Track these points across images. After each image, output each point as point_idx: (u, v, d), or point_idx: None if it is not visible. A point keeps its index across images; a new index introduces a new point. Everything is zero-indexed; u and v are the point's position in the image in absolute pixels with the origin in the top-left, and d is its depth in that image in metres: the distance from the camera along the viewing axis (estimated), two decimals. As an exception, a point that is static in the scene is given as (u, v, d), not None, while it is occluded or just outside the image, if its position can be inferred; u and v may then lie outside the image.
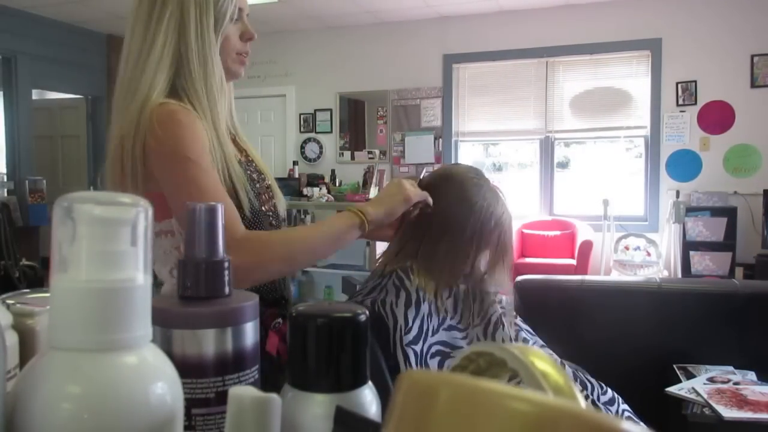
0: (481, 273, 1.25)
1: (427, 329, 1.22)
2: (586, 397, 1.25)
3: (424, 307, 1.23)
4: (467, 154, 6.11)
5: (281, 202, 1.26)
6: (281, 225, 1.25)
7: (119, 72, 1.10)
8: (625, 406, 1.32)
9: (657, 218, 5.32)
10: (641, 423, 1.04)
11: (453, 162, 5.91)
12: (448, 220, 1.23)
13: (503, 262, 1.27)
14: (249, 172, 1.17)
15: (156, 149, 1.02)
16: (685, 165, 5.26)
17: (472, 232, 1.23)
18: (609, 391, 1.32)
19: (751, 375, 1.85)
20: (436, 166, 4.51)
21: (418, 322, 1.21)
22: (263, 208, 1.18)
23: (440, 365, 1.20)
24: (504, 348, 0.33)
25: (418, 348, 1.20)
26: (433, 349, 1.21)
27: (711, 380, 1.79)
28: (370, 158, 6.16)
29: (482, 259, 1.25)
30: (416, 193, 1.17)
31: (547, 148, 5.74)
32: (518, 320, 1.35)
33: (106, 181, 1.08)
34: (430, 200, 1.21)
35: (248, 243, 1.00)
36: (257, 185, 1.17)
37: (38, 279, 3.39)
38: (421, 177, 1.35)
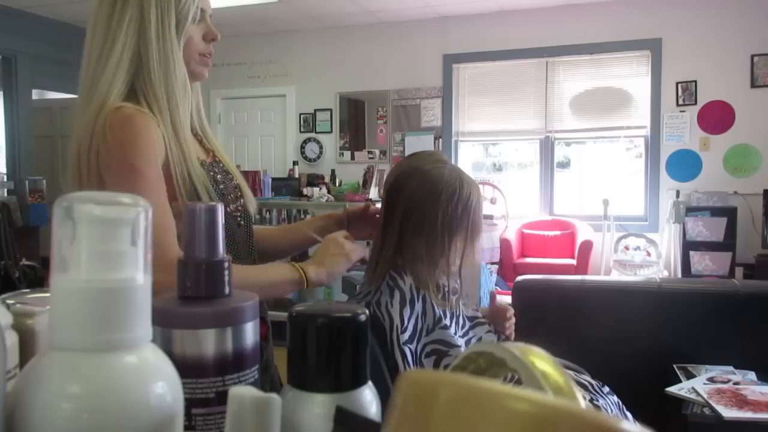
0: (457, 259, 1.27)
1: (421, 328, 1.23)
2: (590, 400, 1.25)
3: (418, 306, 1.23)
4: (467, 154, 6.11)
5: (251, 202, 1.25)
6: (251, 224, 1.25)
7: (81, 72, 1.09)
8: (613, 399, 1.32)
9: (657, 218, 5.32)
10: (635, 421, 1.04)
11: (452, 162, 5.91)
12: (421, 216, 1.25)
13: (473, 243, 1.29)
14: (213, 173, 1.17)
15: (105, 156, 1.02)
16: (685, 165, 5.26)
17: (442, 221, 1.24)
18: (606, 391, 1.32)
19: (751, 375, 1.85)
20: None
21: (413, 321, 1.22)
22: (229, 208, 1.18)
23: (436, 364, 1.20)
24: (504, 348, 0.33)
25: (413, 347, 1.21)
26: (428, 348, 1.22)
27: (711, 380, 1.79)
28: (370, 158, 6.16)
29: (457, 244, 1.27)
30: (354, 250, 1.16)
31: (547, 148, 5.74)
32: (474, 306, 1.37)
33: (67, 184, 1.07)
34: (367, 256, 1.21)
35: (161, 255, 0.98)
36: (221, 186, 1.17)
37: (38, 279, 3.39)
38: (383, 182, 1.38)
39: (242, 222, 1.22)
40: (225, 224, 1.09)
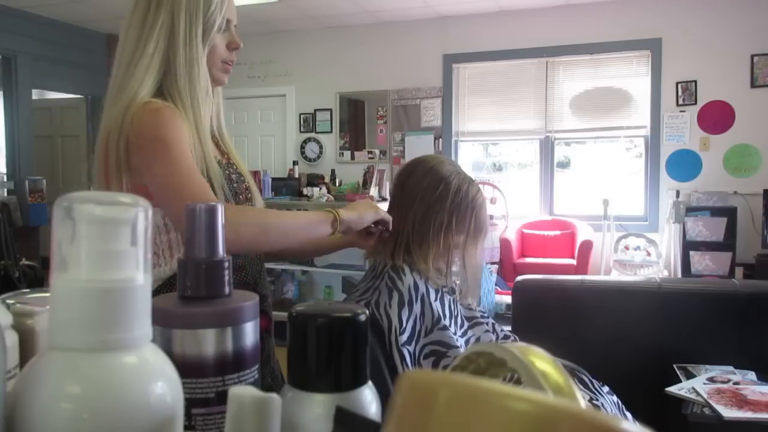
0: (461, 245, 1.30)
1: (420, 330, 1.23)
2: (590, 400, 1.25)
3: (417, 308, 1.23)
4: (467, 154, 6.11)
5: (259, 203, 1.32)
6: None
7: (112, 73, 1.16)
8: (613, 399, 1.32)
9: (657, 218, 5.32)
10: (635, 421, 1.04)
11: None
12: (428, 196, 1.28)
13: (476, 240, 1.32)
14: (228, 172, 1.23)
15: (135, 142, 1.08)
16: (685, 165, 5.26)
17: (450, 203, 1.28)
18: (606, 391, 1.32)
19: (751, 375, 1.85)
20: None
21: (411, 323, 1.22)
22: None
23: (435, 365, 1.20)
24: (504, 348, 0.33)
25: (411, 348, 1.21)
26: (427, 349, 1.22)
27: (711, 380, 1.79)
28: (370, 158, 6.16)
29: (461, 236, 1.30)
30: (384, 217, 1.25)
31: (547, 148, 5.74)
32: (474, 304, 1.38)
33: (93, 176, 1.14)
34: (390, 224, 1.28)
35: (225, 205, 1.02)
36: (235, 185, 1.24)
37: (38, 279, 3.39)
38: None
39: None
40: None
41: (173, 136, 1.08)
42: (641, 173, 5.47)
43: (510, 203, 5.40)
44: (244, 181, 1.28)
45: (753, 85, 5.07)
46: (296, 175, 5.98)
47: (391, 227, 1.28)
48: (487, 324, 1.35)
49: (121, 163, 1.09)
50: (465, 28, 5.81)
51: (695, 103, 5.21)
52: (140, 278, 0.36)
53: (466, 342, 1.30)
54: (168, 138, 1.07)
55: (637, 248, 4.98)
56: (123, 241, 0.35)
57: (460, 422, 0.23)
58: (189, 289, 0.47)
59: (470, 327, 1.33)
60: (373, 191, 5.30)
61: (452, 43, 5.85)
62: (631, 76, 5.43)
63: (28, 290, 0.52)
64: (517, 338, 1.39)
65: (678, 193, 5.14)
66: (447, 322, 1.26)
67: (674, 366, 1.91)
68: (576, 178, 5.80)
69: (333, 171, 6.04)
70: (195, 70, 1.15)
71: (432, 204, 1.28)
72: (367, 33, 6.09)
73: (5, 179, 5.62)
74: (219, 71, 1.23)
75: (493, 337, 1.34)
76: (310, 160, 6.35)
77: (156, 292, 0.89)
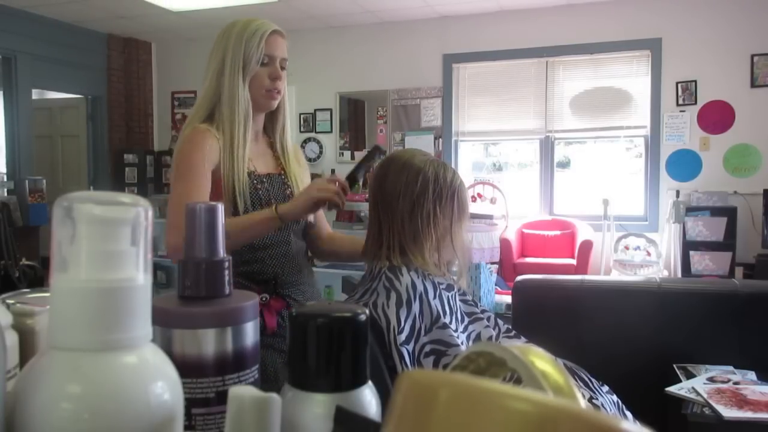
0: (448, 234, 1.31)
1: (419, 329, 1.23)
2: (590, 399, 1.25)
3: (415, 307, 1.24)
4: (467, 154, 6.11)
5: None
6: (296, 226, 1.54)
7: None
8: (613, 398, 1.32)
9: (657, 218, 5.32)
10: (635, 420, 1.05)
11: (452, 162, 5.92)
12: (410, 191, 1.29)
13: (461, 221, 1.33)
14: (255, 182, 1.47)
15: (173, 159, 1.47)
16: (685, 165, 5.26)
17: (432, 192, 1.29)
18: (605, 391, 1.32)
19: (751, 375, 1.85)
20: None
21: (409, 322, 1.22)
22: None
23: (435, 364, 1.20)
24: (504, 348, 0.33)
25: (410, 347, 1.21)
26: (427, 348, 1.22)
27: (711, 380, 1.79)
28: (370, 158, 6.15)
29: (446, 219, 1.31)
30: (322, 191, 1.36)
31: (547, 147, 5.74)
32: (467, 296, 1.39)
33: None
34: (339, 200, 1.39)
35: (171, 226, 1.38)
36: (259, 192, 1.47)
37: (38, 279, 3.39)
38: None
39: (282, 224, 1.46)
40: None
41: (191, 163, 1.39)
42: (641, 173, 5.47)
43: (510, 203, 5.40)
44: (286, 189, 1.53)
45: (753, 85, 5.07)
46: (296, 175, 5.98)
47: (339, 202, 1.38)
48: (487, 319, 1.35)
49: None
50: (465, 28, 5.81)
51: (695, 103, 5.21)
52: (140, 278, 0.35)
53: (467, 337, 1.30)
54: (187, 163, 1.40)
55: (637, 248, 4.98)
56: (123, 241, 0.35)
57: (460, 422, 0.23)
58: (189, 289, 0.47)
59: (471, 322, 1.33)
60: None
61: (452, 43, 5.85)
62: (631, 76, 5.43)
63: (28, 290, 0.52)
64: (520, 335, 1.40)
65: (678, 193, 5.14)
66: (447, 319, 1.26)
67: (674, 366, 1.91)
68: (576, 178, 5.79)
69: (333, 171, 6.04)
70: (235, 100, 1.44)
71: (416, 198, 1.28)
72: (367, 33, 6.09)
73: (5, 179, 5.61)
74: (262, 98, 1.49)
75: (494, 333, 1.34)
76: (310, 159, 6.35)
77: None
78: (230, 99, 1.44)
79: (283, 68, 1.53)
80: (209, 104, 1.47)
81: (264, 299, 1.45)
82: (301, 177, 1.59)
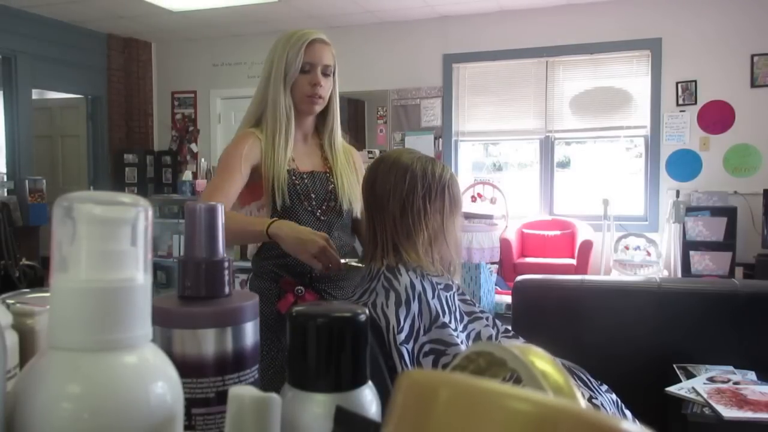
0: (439, 229, 1.31)
1: (418, 328, 1.23)
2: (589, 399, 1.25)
3: (414, 306, 1.23)
4: (467, 154, 6.11)
5: (345, 203, 1.64)
6: (332, 218, 1.63)
7: None
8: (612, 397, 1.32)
9: (657, 218, 5.32)
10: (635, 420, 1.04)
11: (452, 162, 5.92)
12: (399, 189, 1.29)
13: (454, 215, 1.33)
14: (294, 178, 1.59)
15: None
16: (685, 165, 5.26)
17: (421, 188, 1.29)
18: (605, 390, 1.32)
19: (751, 375, 1.85)
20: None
21: (408, 321, 1.22)
22: (304, 205, 1.60)
23: (434, 363, 1.20)
24: (504, 348, 0.33)
25: (409, 347, 1.21)
26: (426, 347, 1.22)
27: (711, 380, 1.79)
28: (370, 158, 6.14)
29: (438, 214, 1.30)
30: (313, 253, 1.36)
31: (547, 147, 5.74)
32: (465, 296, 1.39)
33: None
34: (337, 262, 1.38)
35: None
36: (297, 187, 1.60)
37: (38, 279, 3.39)
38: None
39: (323, 217, 1.62)
40: (287, 214, 1.57)
41: (228, 160, 1.56)
42: (641, 173, 5.47)
43: (510, 203, 5.40)
44: (328, 185, 1.64)
45: (753, 85, 5.07)
46: (296, 175, 5.98)
47: (334, 263, 1.37)
48: (486, 319, 1.35)
49: None
50: (465, 28, 5.81)
51: (695, 103, 5.21)
52: (140, 278, 0.35)
53: (467, 336, 1.30)
54: (225, 160, 1.57)
55: (637, 248, 4.98)
56: (123, 241, 0.35)
57: (460, 422, 0.23)
58: (189, 289, 0.47)
59: (470, 321, 1.33)
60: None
61: (452, 43, 5.85)
62: (631, 76, 5.43)
63: (28, 290, 0.52)
64: (518, 335, 1.40)
65: (678, 193, 5.14)
66: (446, 319, 1.26)
67: (674, 366, 1.91)
68: (576, 177, 5.79)
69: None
70: (278, 105, 1.58)
71: (405, 196, 1.28)
72: (367, 33, 6.09)
73: (5, 179, 5.61)
74: (303, 104, 1.60)
75: (494, 332, 1.34)
76: (310, 160, 6.36)
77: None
78: (273, 105, 1.59)
79: (326, 75, 1.60)
80: (257, 111, 1.63)
81: (299, 291, 1.56)
82: (347, 176, 1.68)
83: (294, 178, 1.60)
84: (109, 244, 0.35)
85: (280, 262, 1.58)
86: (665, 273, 4.85)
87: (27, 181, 5.56)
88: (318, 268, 1.42)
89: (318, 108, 1.63)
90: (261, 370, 0.48)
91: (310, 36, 1.59)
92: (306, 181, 1.62)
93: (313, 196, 1.61)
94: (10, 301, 0.48)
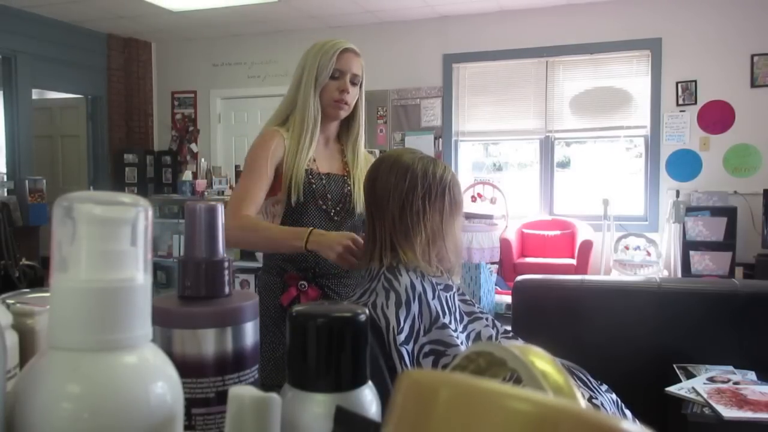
0: (439, 231, 1.30)
1: (418, 329, 1.23)
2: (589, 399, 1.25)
3: (414, 307, 1.23)
4: (467, 154, 6.11)
5: (359, 205, 1.68)
6: (345, 219, 1.69)
7: None
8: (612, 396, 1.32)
9: (657, 218, 5.32)
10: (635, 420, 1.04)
11: (452, 162, 5.92)
12: (399, 189, 1.29)
13: (454, 217, 1.32)
14: (310, 177, 1.65)
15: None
16: (685, 165, 5.26)
17: (421, 188, 1.28)
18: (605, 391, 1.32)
19: (751, 375, 1.85)
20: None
21: (409, 322, 1.22)
22: (318, 203, 1.66)
23: (434, 364, 1.20)
24: (504, 348, 0.33)
25: (409, 348, 1.21)
26: (426, 348, 1.22)
27: (711, 380, 1.79)
28: (370, 158, 6.15)
29: (438, 215, 1.29)
30: (339, 253, 1.40)
31: (547, 147, 5.74)
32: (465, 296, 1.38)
33: None
34: (353, 263, 1.41)
35: (228, 210, 1.50)
36: (313, 186, 1.65)
37: (38, 279, 3.39)
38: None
39: (336, 217, 1.68)
40: (300, 212, 1.65)
41: (256, 157, 1.61)
42: (641, 173, 5.48)
43: (510, 203, 5.40)
44: (345, 187, 1.70)
45: (753, 85, 5.07)
46: (296, 175, 5.97)
47: (353, 264, 1.40)
48: (486, 319, 1.35)
49: None
50: (465, 28, 5.81)
51: (695, 102, 5.21)
52: (140, 278, 0.35)
53: (467, 336, 1.30)
54: (248, 161, 1.63)
55: (637, 248, 4.98)
56: (123, 241, 0.35)
57: (460, 422, 0.23)
58: (189, 289, 0.47)
59: (470, 321, 1.33)
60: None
61: (452, 43, 5.85)
62: (631, 76, 5.43)
63: (28, 290, 0.52)
64: (517, 336, 1.39)
65: (678, 193, 5.14)
66: (446, 320, 1.25)
67: (674, 366, 1.91)
68: (576, 178, 5.80)
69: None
70: (305, 108, 1.64)
71: (405, 196, 1.28)
72: (367, 33, 6.09)
73: (5, 179, 5.61)
74: (331, 108, 1.67)
75: (494, 333, 1.34)
76: (310, 160, 6.36)
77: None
78: (303, 106, 1.65)
79: (354, 84, 1.70)
80: (286, 110, 1.69)
81: (302, 286, 1.61)
82: (359, 179, 1.73)
83: (311, 177, 1.66)
84: (109, 244, 0.35)
85: (286, 257, 1.64)
86: (665, 273, 4.85)
87: (27, 181, 5.56)
88: (345, 267, 1.46)
89: (343, 114, 1.70)
90: (262, 362, 0.48)
91: (343, 45, 1.68)
92: (323, 181, 1.68)
93: (329, 197, 1.68)
94: (10, 301, 0.48)
